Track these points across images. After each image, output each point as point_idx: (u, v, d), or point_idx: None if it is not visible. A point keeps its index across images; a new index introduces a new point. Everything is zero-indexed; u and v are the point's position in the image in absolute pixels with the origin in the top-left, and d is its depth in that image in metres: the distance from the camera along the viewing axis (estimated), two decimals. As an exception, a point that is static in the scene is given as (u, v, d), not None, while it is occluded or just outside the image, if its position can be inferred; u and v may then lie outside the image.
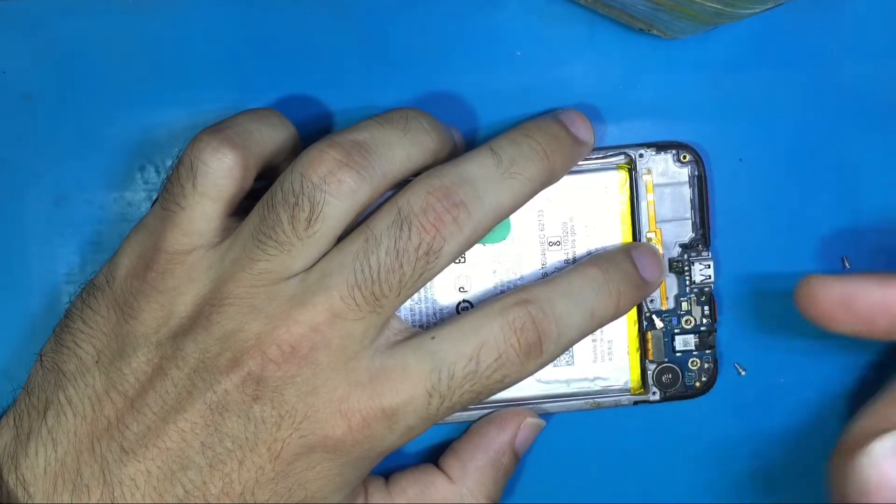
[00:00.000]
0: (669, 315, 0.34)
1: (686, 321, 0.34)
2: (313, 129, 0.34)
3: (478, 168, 0.29)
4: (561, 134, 0.31)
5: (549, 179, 0.31)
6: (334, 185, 0.27)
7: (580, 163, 0.33)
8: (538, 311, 0.29)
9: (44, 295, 0.34)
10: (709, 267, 0.33)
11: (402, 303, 0.29)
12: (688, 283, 0.34)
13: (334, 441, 0.27)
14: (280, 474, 0.27)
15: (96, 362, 0.28)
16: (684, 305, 0.34)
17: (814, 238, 0.35)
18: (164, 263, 0.29)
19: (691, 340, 0.34)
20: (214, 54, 0.34)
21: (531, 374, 0.29)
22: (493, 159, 0.29)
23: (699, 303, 0.34)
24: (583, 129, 0.32)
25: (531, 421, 0.32)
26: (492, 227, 0.29)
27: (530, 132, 0.30)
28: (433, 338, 0.29)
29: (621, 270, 0.31)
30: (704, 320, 0.34)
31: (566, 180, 0.33)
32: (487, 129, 0.34)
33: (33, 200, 0.34)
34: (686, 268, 0.34)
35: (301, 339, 0.27)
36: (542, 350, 0.29)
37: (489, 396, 0.29)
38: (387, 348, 0.28)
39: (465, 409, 0.30)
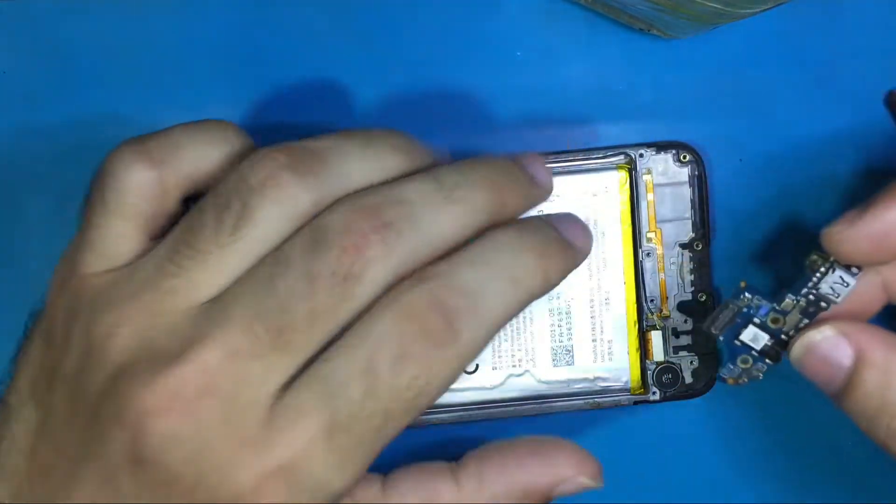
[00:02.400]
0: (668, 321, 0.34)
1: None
2: (313, 129, 0.34)
3: (414, 189, 0.25)
4: (514, 170, 0.27)
5: (499, 215, 0.26)
6: (272, 189, 0.23)
7: (580, 163, 0.33)
8: (438, 286, 0.23)
9: (44, 296, 0.34)
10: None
11: (319, 341, 0.23)
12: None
13: None
14: None
15: (31, 395, 0.25)
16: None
17: (814, 238, 0.35)
18: (73, 288, 0.25)
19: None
20: (214, 54, 0.34)
21: (455, 368, 0.24)
22: (433, 183, 0.25)
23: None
24: (540, 172, 0.27)
25: (583, 482, 0.27)
26: (430, 258, 0.24)
27: (478, 163, 0.26)
28: (325, 359, 0.23)
29: (540, 231, 0.26)
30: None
31: (566, 180, 0.33)
32: (488, 129, 0.34)
33: (33, 200, 0.34)
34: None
35: (185, 384, 0.22)
36: (454, 331, 0.23)
37: (422, 408, 0.24)
38: (288, 391, 0.23)
39: (400, 428, 0.24)
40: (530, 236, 0.26)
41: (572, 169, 0.33)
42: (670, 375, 0.34)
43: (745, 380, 0.29)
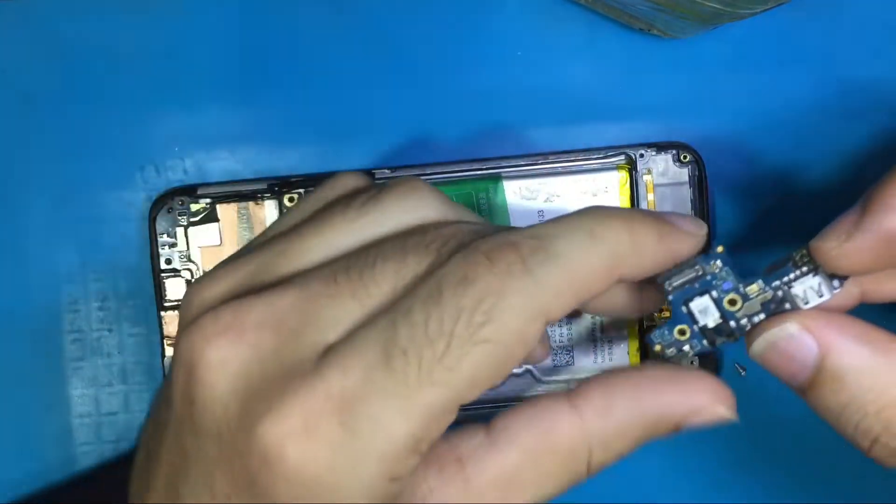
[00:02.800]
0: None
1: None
2: (313, 129, 0.34)
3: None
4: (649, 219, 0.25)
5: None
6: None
7: (580, 163, 0.33)
8: (514, 232, 0.23)
9: (44, 295, 0.34)
10: None
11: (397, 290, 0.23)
12: None
13: None
14: None
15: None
16: None
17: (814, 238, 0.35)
18: None
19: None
20: (215, 55, 0.34)
21: (528, 304, 0.21)
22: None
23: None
24: (684, 223, 0.25)
25: (721, 413, 0.24)
26: None
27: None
28: (395, 299, 0.22)
29: (632, 209, 0.25)
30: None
31: (567, 180, 0.33)
32: (487, 129, 0.34)
33: (33, 200, 0.34)
34: None
35: (248, 313, 0.23)
36: (526, 266, 0.21)
37: (493, 345, 0.21)
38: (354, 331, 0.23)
39: (472, 369, 0.21)
40: (619, 209, 0.25)
41: (572, 169, 0.33)
42: (670, 376, 0.34)
43: (673, 353, 0.25)
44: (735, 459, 0.36)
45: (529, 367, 0.34)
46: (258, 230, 0.34)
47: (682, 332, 0.25)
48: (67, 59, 0.34)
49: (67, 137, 0.34)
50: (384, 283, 0.22)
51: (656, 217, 0.24)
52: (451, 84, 0.34)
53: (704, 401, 0.24)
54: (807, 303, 0.25)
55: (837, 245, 0.24)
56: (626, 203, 0.33)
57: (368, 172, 0.33)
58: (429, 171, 0.34)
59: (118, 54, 0.34)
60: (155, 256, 0.34)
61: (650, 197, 0.34)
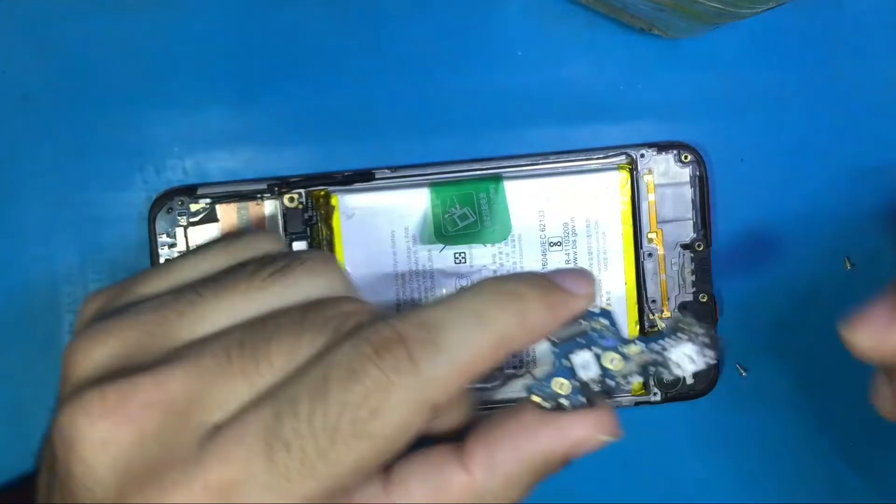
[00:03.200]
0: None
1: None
2: (313, 129, 0.34)
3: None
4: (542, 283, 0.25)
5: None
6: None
7: (581, 163, 0.33)
8: (400, 320, 0.22)
9: (44, 295, 0.34)
10: None
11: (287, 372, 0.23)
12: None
13: None
14: None
15: None
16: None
17: (815, 238, 0.35)
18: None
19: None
20: (214, 55, 0.34)
21: (413, 401, 0.21)
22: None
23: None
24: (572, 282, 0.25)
25: (602, 440, 0.24)
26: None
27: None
28: (280, 383, 0.22)
29: (519, 276, 0.25)
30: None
31: (567, 180, 0.33)
32: (488, 128, 0.34)
33: (33, 200, 0.34)
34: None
35: (135, 393, 0.22)
36: (413, 360, 0.22)
37: (376, 440, 0.21)
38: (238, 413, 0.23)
39: (353, 461, 0.21)
40: (508, 281, 0.24)
41: (573, 169, 0.33)
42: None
43: (552, 405, 0.24)
44: (735, 458, 0.36)
45: (528, 369, 0.34)
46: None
47: (561, 386, 0.25)
48: (67, 59, 0.34)
49: (67, 137, 0.34)
50: (277, 362, 0.22)
51: (546, 286, 0.24)
52: (452, 84, 0.34)
53: (582, 433, 0.24)
54: (679, 367, 0.25)
55: (870, 338, 0.24)
56: (627, 202, 0.33)
57: (368, 172, 0.33)
58: (429, 171, 0.33)
59: (118, 54, 0.34)
60: (154, 256, 0.34)
61: (651, 197, 0.34)
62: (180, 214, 0.33)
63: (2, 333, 0.34)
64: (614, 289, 0.34)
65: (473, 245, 0.33)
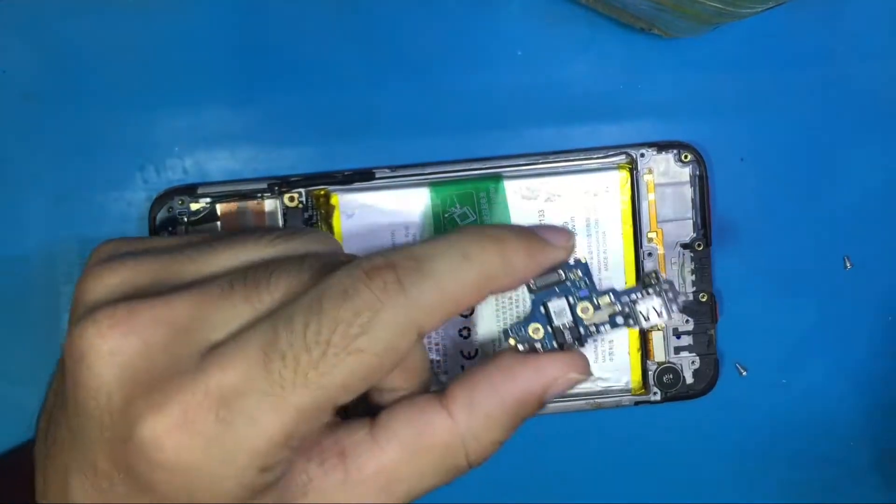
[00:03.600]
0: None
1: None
2: (313, 128, 0.34)
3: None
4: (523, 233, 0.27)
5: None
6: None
7: (581, 162, 0.33)
8: (393, 252, 0.24)
9: (44, 294, 0.34)
10: None
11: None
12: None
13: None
14: None
15: None
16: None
17: (815, 237, 0.35)
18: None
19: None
20: (214, 54, 0.34)
21: (402, 322, 0.23)
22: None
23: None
24: (554, 235, 0.27)
25: (574, 377, 0.26)
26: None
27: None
28: (280, 305, 0.24)
29: (504, 226, 0.27)
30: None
31: (567, 180, 0.33)
32: (488, 128, 0.34)
33: (33, 200, 0.34)
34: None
35: (142, 309, 0.24)
36: (402, 286, 0.23)
37: (367, 356, 0.23)
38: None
39: (344, 376, 0.22)
40: (492, 227, 0.26)
41: (573, 169, 0.33)
42: (671, 376, 0.34)
43: (525, 348, 0.26)
44: (735, 458, 0.36)
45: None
46: (258, 230, 0.34)
47: (535, 331, 0.27)
48: (67, 59, 0.34)
49: (67, 137, 0.34)
50: (277, 291, 0.24)
51: (527, 234, 0.26)
52: (452, 84, 0.34)
53: (556, 372, 0.26)
54: (647, 320, 0.27)
55: None
56: (627, 202, 0.33)
57: (368, 172, 0.33)
58: (429, 171, 0.33)
59: (118, 54, 0.34)
60: (155, 256, 0.34)
61: (651, 197, 0.34)
62: (181, 214, 0.33)
63: (1, 333, 0.34)
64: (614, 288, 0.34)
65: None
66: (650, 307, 0.27)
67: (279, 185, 0.33)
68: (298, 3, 0.34)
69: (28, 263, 0.34)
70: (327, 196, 0.33)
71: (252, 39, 0.34)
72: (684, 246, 0.34)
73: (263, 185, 0.33)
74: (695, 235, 0.34)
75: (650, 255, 0.34)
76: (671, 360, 0.34)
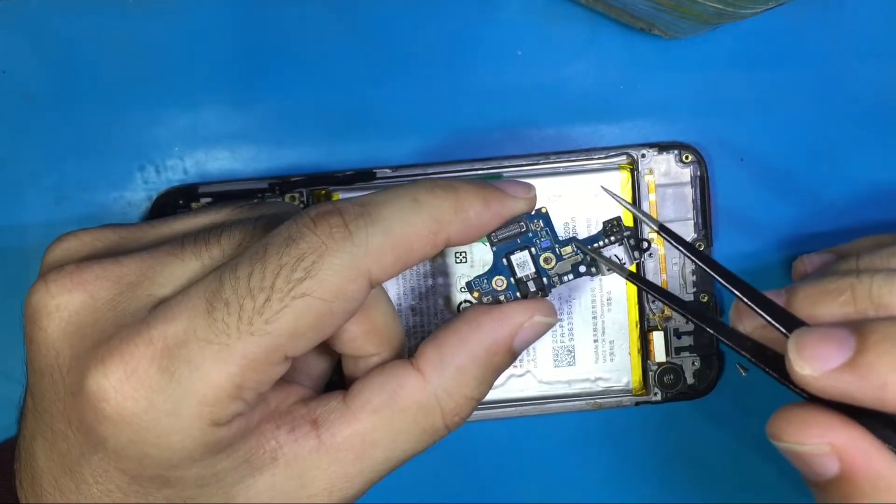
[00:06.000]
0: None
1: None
2: (313, 128, 0.34)
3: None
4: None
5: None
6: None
7: (582, 163, 0.33)
8: (344, 201, 0.24)
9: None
10: None
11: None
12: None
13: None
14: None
15: None
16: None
17: (815, 237, 0.35)
18: None
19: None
20: (214, 54, 0.34)
21: (348, 264, 0.23)
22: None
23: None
24: (513, 188, 0.27)
25: (540, 320, 0.26)
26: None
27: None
28: (230, 258, 0.24)
29: (459, 179, 0.27)
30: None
31: (568, 180, 0.33)
32: (488, 128, 0.34)
33: (33, 200, 0.34)
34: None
35: (91, 268, 0.25)
36: (348, 230, 0.23)
37: (312, 300, 0.22)
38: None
39: (290, 322, 0.22)
40: (446, 179, 0.26)
41: (574, 169, 0.33)
42: (672, 376, 0.34)
43: (489, 300, 0.26)
44: (735, 459, 0.36)
45: (529, 369, 0.34)
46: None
47: (499, 283, 0.26)
48: (67, 59, 0.34)
49: (67, 137, 0.34)
50: (228, 246, 0.24)
51: (482, 185, 0.26)
52: (452, 84, 0.34)
53: (521, 318, 0.25)
54: (609, 270, 0.27)
55: (815, 374, 0.23)
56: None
57: (369, 172, 0.33)
58: (429, 171, 0.33)
59: (118, 54, 0.34)
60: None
61: (652, 197, 0.34)
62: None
63: (1, 332, 0.34)
64: (615, 288, 0.34)
65: (474, 244, 0.33)
66: (612, 255, 0.27)
67: (280, 185, 0.33)
68: (298, 3, 0.34)
69: (28, 263, 0.34)
70: (328, 196, 0.33)
71: (252, 39, 0.34)
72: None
73: (264, 185, 0.33)
74: (696, 236, 0.34)
75: (651, 255, 0.34)
76: (672, 360, 0.34)
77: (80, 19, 0.34)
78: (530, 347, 0.33)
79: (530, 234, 0.26)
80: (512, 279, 0.26)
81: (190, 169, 0.34)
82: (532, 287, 0.26)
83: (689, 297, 0.34)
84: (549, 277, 0.26)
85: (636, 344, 0.34)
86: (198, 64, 0.34)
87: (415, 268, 0.33)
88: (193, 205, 0.34)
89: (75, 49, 0.34)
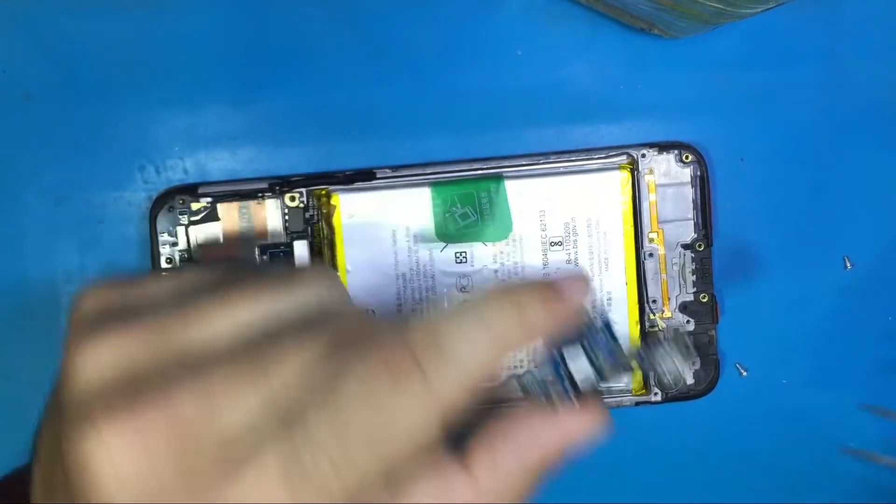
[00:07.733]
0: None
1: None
2: (313, 128, 0.34)
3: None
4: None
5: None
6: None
7: (582, 163, 0.33)
8: (406, 331, 0.23)
9: (43, 295, 0.34)
10: None
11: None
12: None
13: None
14: None
15: None
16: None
17: (815, 237, 0.35)
18: None
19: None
20: (214, 54, 0.34)
21: (427, 413, 0.22)
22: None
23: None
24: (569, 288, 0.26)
25: (598, 436, 0.25)
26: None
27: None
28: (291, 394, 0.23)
29: (517, 284, 0.26)
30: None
31: (568, 180, 0.33)
32: (488, 128, 0.34)
33: (33, 200, 0.34)
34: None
35: (145, 409, 0.22)
36: (422, 371, 0.22)
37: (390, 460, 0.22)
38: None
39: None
40: (504, 288, 0.25)
41: (574, 169, 0.33)
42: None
43: (542, 400, 0.25)
44: (735, 459, 0.36)
45: (529, 369, 0.34)
46: (259, 229, 0.33)
47: (553, 382, 0.25)
48: (67, 59, 0.34)
49: (67, 137, 0.34)
50: (286, 371, 0.23)
51: (542, 288, 0.25)
52: (452, 84, 0.34)
53: (577, 429, 0.25)
54: (667, 377, 0.25)
55: None
56: (628, 202, 0.33)
57: (370, 172, 0.33)
58: (429, 171, 0.33)
59: (118, 54, 0.34)
60: (155, 255, 0.34)
61: (652, 197, 0.34)
62: (181, 213, 0.33)
63: (2, 332, 0.34)
64: (615, 289, 0.34)
65: (474, 244, 0.33)
66: (672, 366, 0.26)
67: (280, 184, 0.33)
68: (298, 3, 0.34)
69: (28, 263, 0.34)
70: (328, 196, 0.33)
71: (252, 39, 0.34)
72: (685, 246, 0.34)
73: (264, 185, 0.33)
74: (696, 236, 0.34)
75: (651, 255, 0.34)
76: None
77: (80, 19, 0.34)
78: (530, 347, 0.33)
79: (588, 334, 0.25)
80: (568, 379, 0.25)
81: (190, 169, 0.34)
82: (585, 387, 0.25)
83: (689, 297, 0.34)
84: (605, 378, 0.25)
85: (636, 344, 0.34)
86: (198, 64, 0.34)
87: (415, 267, 0.33)
88: (193, 205, 0.33)
89: (75, 49, 0.34)
